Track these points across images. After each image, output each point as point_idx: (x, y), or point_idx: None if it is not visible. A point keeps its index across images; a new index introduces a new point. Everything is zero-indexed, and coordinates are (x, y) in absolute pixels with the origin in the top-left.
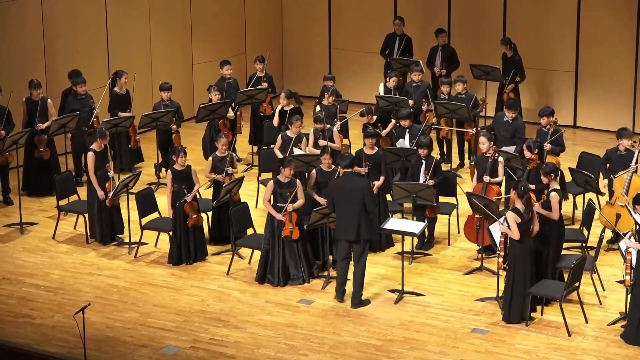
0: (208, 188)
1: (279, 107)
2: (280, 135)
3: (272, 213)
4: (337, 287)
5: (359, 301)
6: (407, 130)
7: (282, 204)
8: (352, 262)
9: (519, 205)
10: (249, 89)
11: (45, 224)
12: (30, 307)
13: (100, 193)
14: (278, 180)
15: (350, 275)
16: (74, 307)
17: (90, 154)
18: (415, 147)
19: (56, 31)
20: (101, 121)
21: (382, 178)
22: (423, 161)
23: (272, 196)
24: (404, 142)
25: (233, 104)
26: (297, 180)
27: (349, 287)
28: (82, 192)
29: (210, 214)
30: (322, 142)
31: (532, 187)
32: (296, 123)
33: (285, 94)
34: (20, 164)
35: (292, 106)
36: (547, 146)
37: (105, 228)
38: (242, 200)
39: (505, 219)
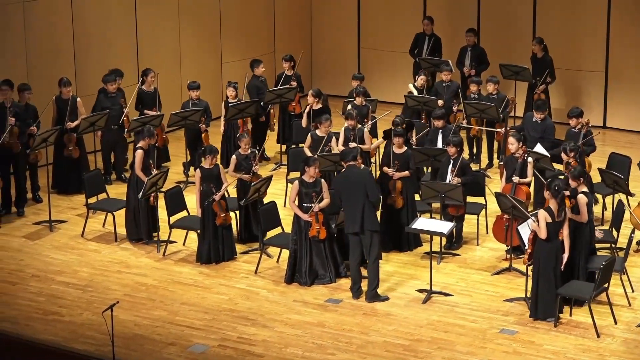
0: (234, 187)
1: (307, 108)
2: (309, 135)
3: (298, 213)
4: (351, 286)
5: (373, 295)
6: (440, 130)
7: (307, 204)
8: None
9: (553, 205)
10: (277, 88)
11: (74, 221)
12: (59, 305)
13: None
14: (303, 180)
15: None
16: (102, 305)
17: (139, 152)
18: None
19: (86, 30)
20: (130, 119)
21: (406, 172)
22: (451, 160)
23: (297, 196)
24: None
25: (262, 103)
26: (322, 180)
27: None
28: (111, 190)
29: (238, 213)
30: (351, 144)
31: (567, 193)
32: (325, 123)
33: (313, 93)
34: (50, 162)
35: (320, 105)
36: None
37: (143, 226)
38: (269, 200)
39: (536, 216)
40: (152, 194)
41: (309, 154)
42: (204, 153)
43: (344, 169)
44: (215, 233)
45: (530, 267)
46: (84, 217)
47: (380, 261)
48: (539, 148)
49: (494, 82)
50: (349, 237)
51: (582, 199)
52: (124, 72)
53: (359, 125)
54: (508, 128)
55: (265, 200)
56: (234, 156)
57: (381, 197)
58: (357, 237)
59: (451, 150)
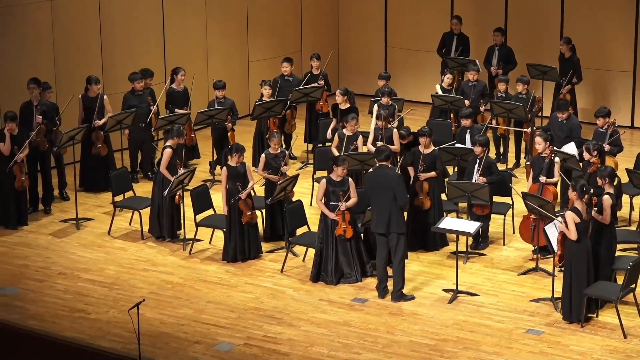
0: (262, 185)
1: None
2: (336, 134)
3: (325, 212)
4: (377, 285)
5: (399, 295)
6: (468, 130)
7: (335, 203)
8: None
9: (579, 205)
10: (304, 86)
11: (100, 219)
12: (85, 302)
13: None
14: (330, 178)
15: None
16: (128, 303)
17: (167, 151)
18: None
19: (113, 28)
20: (158, 118)
21: (433, 172)
22: (478, 159)
23: (324, 195)
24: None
25: (289, 102)
26: (350, 179)
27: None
28: (138, 188)
29: (264, 211)
30: (379, 143)
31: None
32: (352, 122)
33: (341, 92)
34: (77, 160)
35: (348, 105)
36: (606, 147)
37: (167, 224)
38: (295, 198)
39: (564, 218)
40: (178, 192)
41: (336, 153)
42: (231, 151)
43: (374, 168)
44: (242, 231)
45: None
46: (110, 215)
47: (406, 261)
48: (571, 148)
49: (524, 82)
50: (376, 237)
51: (607, 200)
52: (152, 70)
53: (389, 126)
54: (534, 128)
55: (294, 199)
56: (263, 155)
57: (408, 199)
58: (384, 237)
59: (477, 149)
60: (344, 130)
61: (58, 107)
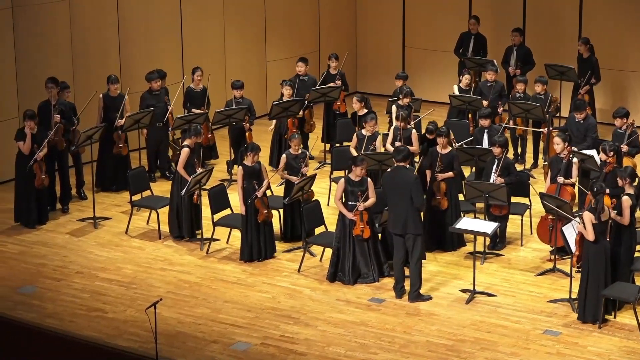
0: (280, 185)
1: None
2: (355, 134)
3: (343, 212)
4: (394, 285)
5: (416, 295)
6: (486, 130)
7: (353, 203)
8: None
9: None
10: (322, 86)
11: (118, 219)
12: (102, 302)
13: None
14: (349, 178)
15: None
16: (145, 302)
17: (185, 150)
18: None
19: (131, 28)
20: (175, 117)
21: (450, 172)
22: (496, 160)
23: (343, 194)
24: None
25: (306, 102)
26: (369, 179)
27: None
28: (155, 187)
29: (281, 211)
30: (397, 144)
31: (607, 190)
32: (370, 122)
33: (357, 99)
34: (95, 160)
35: (365, 110)
36: (624, 148)
37: (186, 224)
38: (315, 199)
39: (582, 219)
40: (196, 192)
41: (354, 153)
42: (246, 150)
43: (391, 168)
44: (258, 230)
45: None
46: (128, 214)
47: (423, 261)
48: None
49: (543, 83)
50: (393, 237)
51: (626, 201)
52: (169, 70)
53: (408, 126)
54: (551, 128)
55: (314, 199)
56: (284, 155)
57: (425, 201)
58: (400, 237)
59: (496, 150)
60: (363, 131)
61: (75, 107)
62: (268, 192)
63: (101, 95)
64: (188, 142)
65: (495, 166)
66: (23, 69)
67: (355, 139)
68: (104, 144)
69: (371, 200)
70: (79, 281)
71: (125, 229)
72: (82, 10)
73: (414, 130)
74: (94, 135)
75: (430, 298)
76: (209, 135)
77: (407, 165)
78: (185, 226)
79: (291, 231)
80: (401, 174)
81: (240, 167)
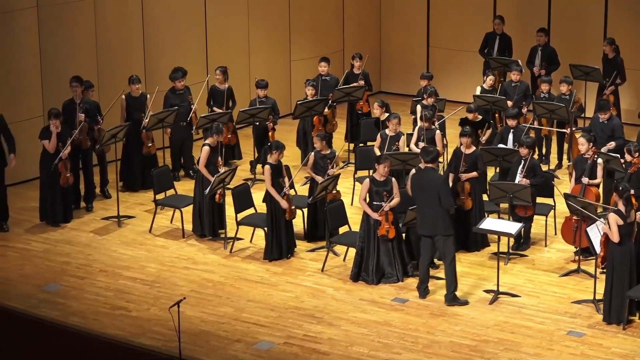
0: (304, 184)
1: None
2: (379, 134)
3: (368, 212)
4: (418, 285)
5: (451, 298)
6: (512, 130)
7: (377, 202)
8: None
9: (621, 206)
10: (345, 86)
11: (142, 217)
12: (126, 300)
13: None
14: (374, 178)
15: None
16: (169, 301)
17: (205, 148)
18: (517, 148)
19: (155, 27)
20: (199, 116)
21: (474, 173)
22: (522, 161)
23: (367, 194)
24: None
25: (330, 101)
26: (393, 179)
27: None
28: (179, 186)
29: (305, 211)
30: (421, 144)
31: (632, 191)
32: (393, 121)
33: (379, 104)
34: (119, 158)
35: (386, 115)
36: None
37: (208, 223)
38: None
39: (607, 220)
40: (219, 191)
41: (378, 153)
42: (270, 148)
43: (417, 169)
44: (284, 229)
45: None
46: (151, 213)
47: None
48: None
49: (568, 83)
50: (421, 238)
51: None
52: (193, 69)
53: (432, 127)
54: (574, 129)
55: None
56: (312, 153)
57: (454, 202)
58: (429, 238)
59: (524, 151)
60: (386, 131)
61: (99, 105)
62: (291, 191)
63: (123, 96)
64: (209, 140)
65: (521, 167)
66: (48, 67)
67: (379, 138)
68: (129, 144)
69: (396, 200)
70: (103, 279)
71: (149, 227)
72: (106, 9)
73: (437, 131)
74: (118, 134)
75: (466, 302)
76: (229, 136)
77: (434, 167)
78: (207, 225)
79: (313, 230)
80: (429, 175)
81: (266, 166)
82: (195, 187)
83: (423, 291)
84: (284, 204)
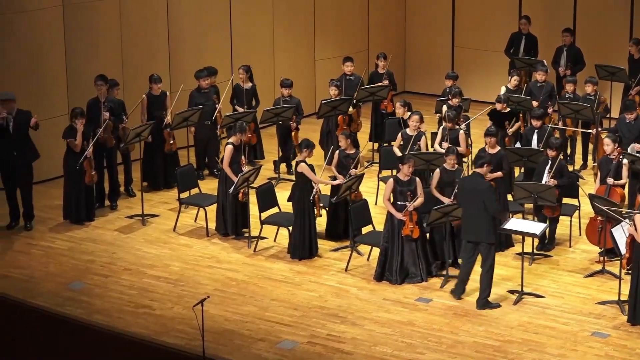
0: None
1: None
2: (400, 134)
3: (392, 212)
4: (456, 283)
5: (483, 303)
6: (537, 130)
7: (401, 202)
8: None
9: None
10: (370, 85)
11: (166, 216)
12: (150, 298)
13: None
14: (397, 178)
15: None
16: (193, 299)
17: (229, 147)
18: (541, 148)
19: (180, 26)
20: (223, 115)
21: (499, 173)
22: (550, 161)
23: (391, 194)
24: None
25: (354, 101)
26: (417, 179)
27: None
28: (203, 185)
29: (326, 210)
30: (444, 144)
31: None
32: (413, 117)
33: (400, 104)
34: (143, 157)
35: (409, 114)
36: None
37: (231, 221)
38: (363, 198)
39: (633, 220)
40: (242, 190)
41: (398, 153)
42: (301, 146)
43: (462, 178)
44: (311, 228)
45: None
46: (176, 211)
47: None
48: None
49: (593, 83)
50: (464, 243)
51: None
52: (218, 68)
53: (456, 127)
54: (599, 129)
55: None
56: (337, 152)
57: (502, 208)
58: (472, 244)
59: (552, 153)
60: (408, 130)
61: (124, 104)
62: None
63: (144, 95)
64: (233, 139)
65: (548, 167)
66: (73, 66)
67: (400, 138)
68: (152, 143)
69: (420, 200)
70: (127, 278)
71: (173, 226)
72: (131, 7)
73: (462, 131)
74: (143, 133)
75: (499, 306)
76: (250, 135)
77: (456, 166)
78: (230, 224)
79: (334, 230)
80: (475, 181)
81: (302, 164)
82: (218, 186)
83: (459, 292)
84: (339, 180)
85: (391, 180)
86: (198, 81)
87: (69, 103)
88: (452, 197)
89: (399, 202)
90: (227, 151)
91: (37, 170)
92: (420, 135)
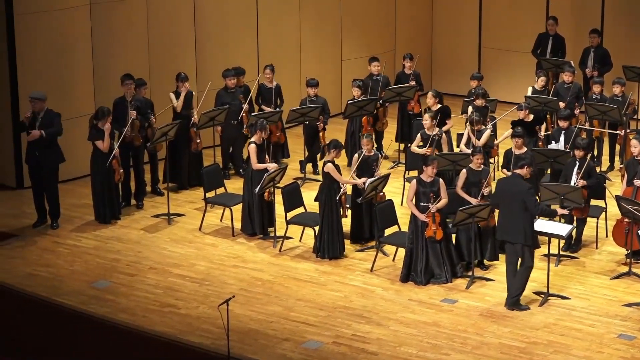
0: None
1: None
2: (419, 133)
3: (415, 213)
4: (508, 296)
5: (513, 302)
6: (564, 131)
7: (425, 204)
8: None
9: None
10: (397, 86)
11: (192, 215)
12: (175, 297)
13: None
14: (421, 179)
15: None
16: (218, 299)
17: (252, 146)
18: (568, 150)
19: (207, 25)
20: (249, 115)
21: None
22: (577, 162)
23: (415, 195)
24: (558, 146)
25: (380, 101)
26: (440, 180)
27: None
28: (229, 185)
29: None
30: (474, 141)
31: None
32: (425, 116)
33: (432, 94)
34: (169, 156)
35: (439, 106)
36: None
37: (258, 221)
38: (388, 198)
39: None
40: (268, 190)
41: (417, 151)
42: (329, 147)
43: (502, 179)
44: (338, 228)
45: None
46: (201, 211)
47: (496, 262)
48: None
49: (621, 84)
50: (506, 244)
51: None
52: (245, 68)
53: (482, 127)
54: (628, 130)
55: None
56: (356, 154)
57: (540, 206)
58: (510, 244)
59: (579, 153)
60: (426, 130)
61: (152, 103)
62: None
63: (171, 94)
64: (254, 138)
65: (576, 168)
66: (99, 65)
67: (419, 138)
68: (177, 141)
69: (443, 201)
70: (153, 277)
71: (199, 225)
72: (158, 6)
73: (487, 131)
74: (169, 132)
75: (528, 308)
76: (278, 134)
77: (483, 167)
78: (257, 223)
79: (357, 232)
80: (515, 182)
81: (329, 164)
82: (244, 186)
83: (512, 304)
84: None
85: (414, 181)
86: (225, 80)
87: (96, 102)
88: (480, 198)
89: (421, 204)
90: (251, 151)
91: (64, 168)
92: (440, 134)
